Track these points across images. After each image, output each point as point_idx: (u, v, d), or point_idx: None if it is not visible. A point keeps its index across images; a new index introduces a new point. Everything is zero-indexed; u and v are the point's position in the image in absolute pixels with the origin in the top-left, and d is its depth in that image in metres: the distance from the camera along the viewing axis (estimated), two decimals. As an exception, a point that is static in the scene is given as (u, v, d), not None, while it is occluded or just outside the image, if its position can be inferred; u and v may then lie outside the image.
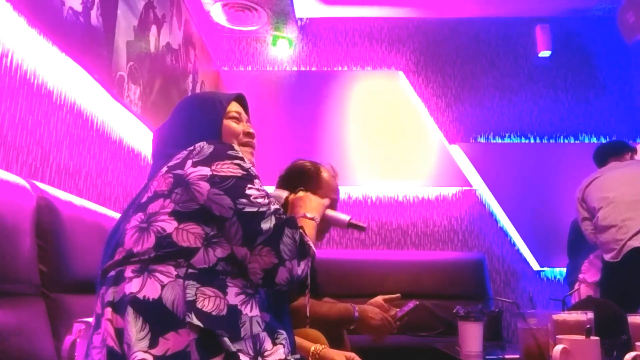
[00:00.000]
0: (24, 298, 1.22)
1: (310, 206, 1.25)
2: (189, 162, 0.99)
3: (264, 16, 3.39)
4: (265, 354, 0.91)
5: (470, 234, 3.53)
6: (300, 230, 1.01)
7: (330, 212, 1.37)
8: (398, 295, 1.82)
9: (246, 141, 1.19)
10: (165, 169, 1.01)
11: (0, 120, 1.47)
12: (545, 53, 3.67)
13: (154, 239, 0.94)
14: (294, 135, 3.56)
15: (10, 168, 1.49)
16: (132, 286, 0.90)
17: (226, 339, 0.87)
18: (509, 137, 3.64)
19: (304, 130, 3.58)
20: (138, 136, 2.39)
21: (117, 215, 1.71)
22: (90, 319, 1.08)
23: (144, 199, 1.00)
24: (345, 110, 3.67)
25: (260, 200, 0.98)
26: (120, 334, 0.89)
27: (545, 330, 1.38)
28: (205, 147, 1.01)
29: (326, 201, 1.31)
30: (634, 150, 2.85)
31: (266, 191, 1.02)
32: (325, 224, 1.39)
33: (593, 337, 1.17)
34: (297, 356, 0.99)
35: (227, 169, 0.98)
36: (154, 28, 2.50)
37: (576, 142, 3.61)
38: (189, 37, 3.04)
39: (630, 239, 2.45)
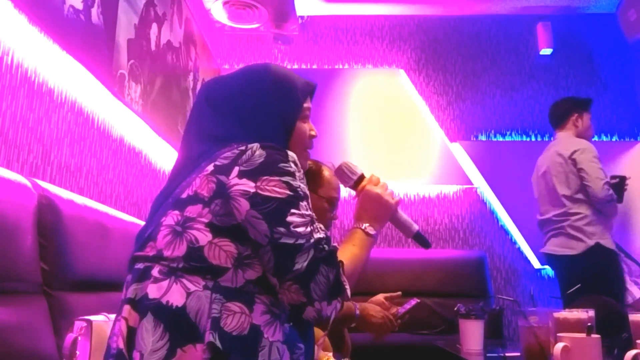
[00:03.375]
0: (25, 296, 1.22)
1: (378, 212, 1.10)
2: (236, 170, 0.90)
3: (265, 14, 3.39)
4: None
5: (471, 232, 3.53)
6: (339, 267, 0.92)
7: (401, 215, 1.19)
8: (399, 293, 1.83)
9: (310, 144, 1.09)
10: (211, 168, 0.91)
11: (1, 119, 1.47)
12: (546, 51, 3.66)
13: (185, 247, 0.88)
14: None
15: (11, 166, 1.49)
16: (156, 290, 0.86)
17: None
18: (510, 135, 3.64)
19: (305, 128, 3.57)
20: (139, 134, 2.39)
21: (118, 214, 1.72)
22: (91, 317, 1.08)
23: (184, 195, 0.92)
24: (346, 109, 3.67)
25: (300, 229, 0.88)
26: (132, 334, 0.85)
27: (546, 328, 1.39)
28: (256, 154, 0.91)
29: (397, 201, 1.15)
30: (576, 113, 2.85)
31: (312, 216, 0.92)
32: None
33: (594, 335, 1.17)
34: None
35: (272, 187, 0.89)
36: (154, 26, 2.50)
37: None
38: (190, 35, 3.03)
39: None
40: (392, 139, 3.61)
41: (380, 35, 3.84)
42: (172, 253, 0.88)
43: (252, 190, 0.88)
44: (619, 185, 2.78)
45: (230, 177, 0.89)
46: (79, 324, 1.06)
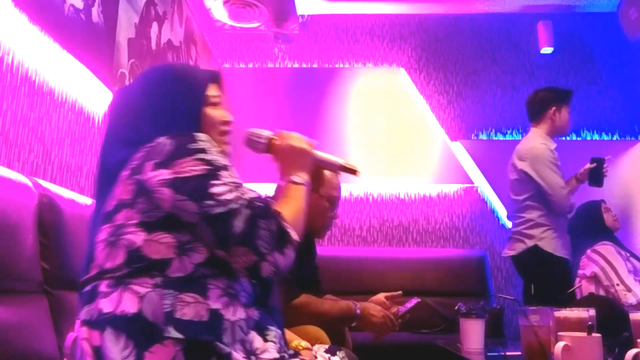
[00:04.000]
0: (26, 295, 1.22)
1: (297, 162, 1.12)
2: (149, 165, 0.91)
3: (265, 13, 3.39)
4: (258, 352, 0.88)
5: (472, 231, 3.53)
6: (278, 216, 0.94)
7: (320, 155, 1.20)
8: (400, 292, 1.83)
9: (224, 130, 1.09)
10: (127, 172, 0.93)
11: (2, 118, 1.47)
12: (547, 50, 3.66)
13: (123, 253, 0.89)
14: (295, 132, 3.55)
15: (12, 165, 1.49)
16: (108, 303, 0.86)
17: (217, 343, 0.84)
18: (511, 134, 3.64)
19: (305, 127, 3.57)
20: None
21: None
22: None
23: (110, 208, 0.93)
24: (346, 108, 3.67)
25: (228, 196, 0.90)
26: (98, 352, 0.85)
27: (547, 328, 1.38)
28: (164, 145, 0.92)
29: (313, 144, 1.17)
30: (554, 105, 2.72)
31: (236, 182, 0.93)
32: (316, 168, 1.23)
33: (595, 334, 1.17)
34: (291, 352, 0.98)
35: (188, 167, 0.90)
36: (155, 25, 2.50)
37: (578, 138, 3.60)
38: (190, 34, 3.03)
39: None
40: (393, 138, 3.61)
41: (380, 34, 3.83)
42: (113, 263, 0.89)
43: (170, 176, 0.89)
44: (597, 169, 2.73)
45: (145, 173, 0.91)
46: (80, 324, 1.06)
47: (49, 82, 1.70)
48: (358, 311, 1.66)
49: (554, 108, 2.70)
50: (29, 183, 1.29)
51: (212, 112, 1.07)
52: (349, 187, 3.51)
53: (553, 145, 2.67)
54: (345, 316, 1.66)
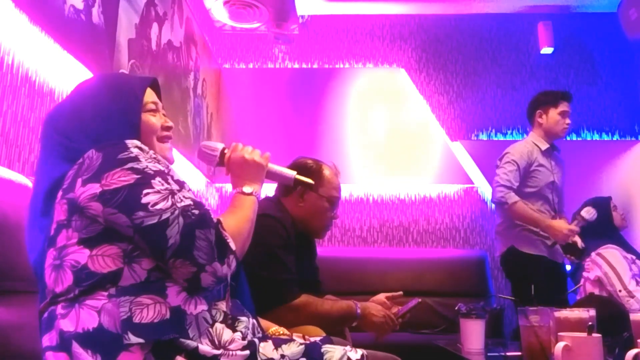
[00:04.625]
0: (26, 295, 1.22)
1: (249, 173, 1.10)
2: (79, 181, 0.88)
3: (265, 13, 3.39)
4: (226, 344, 0.88)
5: (472, 232, 3.53)
6: (217, 226, 0.91)
7: (273, 169, 1.20)
8: (400, 292, 1.83)
9: (165, 135, 1.06)
10: (60, 193, 0.91)
11: (2, 118, 1.47)
12: (547, 50, 3.66)
13: (70, 274, 0.87)
14: (295, 132, 3.55)
15: (12, 166, 1.50)
16: (68, 324, 0.85)
17: (182, 340, 0.84)
18: (511, 134, 3.64)
19: (306, 127, 3.58)
20: (140, 134, 2.39)
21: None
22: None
23: (52, 232, 0.91)
24: (346, 108, 3.67)
25: (160, 205, 0.87)
26: None
27: (547, 328, 1.38)
28: (93, 158, 0.90)
29: (267, 157, 1.15)
30: (539, 109, 2.77)
31: (170, 189, 0.90)
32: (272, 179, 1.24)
33: (595, 335, 1.17)
34: (260, 335, 0.98)
35: (117, 178, 0.87)
36: (155, 26, 2.50)
37: (578, 139, 3.60)
38: (191, 35, 3.03)
39: None
40: (393, 138, 3.61)
41: (380, 34, 3.84)
42: (62, 287, 0.88)
43: (99, 190, 0.87)
44: (572, 246, 2.63)
45: (76, 190, 0.89)
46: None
47: (49, 82, 1.70)
48: (359, 311, 1.66)
49: (539, 111, 2.77)
50: (29, 183, 1.29)
51: (151, 119, 1.04)
52: (349, 188, 3.51)
53: (543, 147, 2.73)
54: (346, 316, 1.66)
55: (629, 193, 3.34)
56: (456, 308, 1.81)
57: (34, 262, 0.97)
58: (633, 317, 1.33)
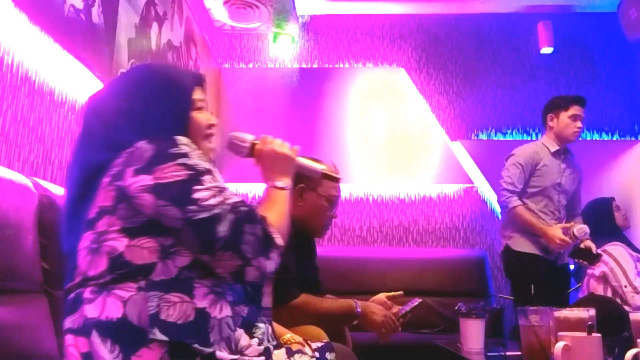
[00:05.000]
0: (26, 295, 1.22)
1: (280, 167, 1.12)
2: (129, 171, 0.90)
3: (265, 13, 3.39)
4: (243, 349, 0.89)
5: (472, 231, 3.53)
6: (263, 222, 0.94)
7: (302, 162, 1.20)
8: (401, 292, 1.83)
9: (210, 133, 1.08)
10: (108, 179, 0.92)
11: (2, 118, 1.47)
12: (547, 50, 3.66)
13: (106, 260, 0.88)
14: (295, 132, 3.55)
15: (12, 166, 1.50)
16: (92, 310, 0.86)
17: (197, 345, 0.84)
18: (511, 134, 3.64)
19: (306, 127, 3.57)
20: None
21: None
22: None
23: (92, 215, 0.92)
24: (346, 108, 3.66)
25: (211, 201, 0.89)
26: (88, 358, 0.85)
27: (547, 328, 1.38)
28: (145, 150, 0.91)
29: (296, 150, 1.17)
30: (550, 113, 2.78)
31: (219, 186, 0.92)
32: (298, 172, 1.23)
33: (595, 334, 1.17)
34: (275, 342, 0.98)
35: (170, 173, 0.89)
36: (155, 25, 2.50)
37: (578, 139, 3.60)
38: (190, 35, 3.03)
39: None
40: (393, 138, 3.61)
41: (380, 34, 3.84)
42: (95, 271, 0.89)
43: (151, 182, 0.89)
44: (584, 251, 2.58)
45: (126, 179, 0.90)
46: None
47: (49, 82, 1.70)
48: (359, 309, 1.66)
49: (550, 115, 2.78)
50: (29, 183, 1.29)
51: (199, 116, 1.06)
52: (349, 187, 3.51)
53: (553, 148, 2.74)
54: (346, 314, 1.66)
55: (630, 193, 3.34)
56: (456, 308, 1.81)
57: (66, 241, 0.98)
58: (633, 316, 1.34)
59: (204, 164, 0.93)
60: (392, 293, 1.82)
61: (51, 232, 1.31)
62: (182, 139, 0.94)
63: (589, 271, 2.68)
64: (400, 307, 1.78)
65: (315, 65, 3.78)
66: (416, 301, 1.78)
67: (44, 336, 1.21)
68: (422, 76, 3.75)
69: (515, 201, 2.64)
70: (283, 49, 3.76)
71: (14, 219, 1.17)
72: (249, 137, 1.17)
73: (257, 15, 3.41)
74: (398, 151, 3.58)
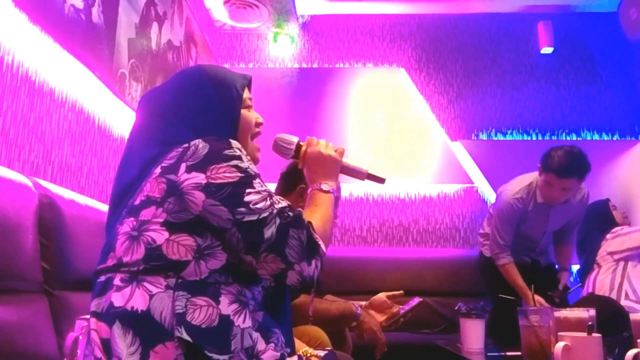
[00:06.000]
0: (26, 295, 1.22)
1: (326, 170, 1.13)
2: (183, 166, 0.92)
3: (265, 13, 3.39)
4: (259, 354, 0.89)
5: (472, 231, 3.53)
6: (309, 227, 0.95)
7: (347, 163, 1.20)
8: (401, 292, 1.83)
9: (257, 132, 1.12)
10: (159, 170, 0.94)
11: (2, 118, 1.47)
12: (547, 49, 3.66)
13: (143, 250, 0.90)
14: (295, 132, 3.53)
15: (12, 165, 1.49)
16: (119, 298, 0.87)
17: (214, 355, 0.84)
18: (511, 134, 3.64)
19: (306, 127, 3.57)
20: (140, 133, 2.39)
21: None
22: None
23: (137, 202, 0.94)
24: (346, 108, 3.67)
25: (260, 205, 0.91)
26: (106, 345, 0.86)
27: (547, 328, 1.39)
28: (200, 148, 0.93)
29: (341, 152, 1.17)
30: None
31: (268, 191, 0.95)
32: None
33: (595, 334, 1.17)
34: (288, 350, 0.99)
35: (223, 173, 0.91)
36: (155, 25, 2.50)
37: (578, 139, 3.60)
38: (190, 34, 3.03)
39: None
40: (393, 138, 3.61)
41: (380, 34, 3.84)
42: (131, 258, 0.90)
43: (204, 181, 0.90)
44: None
45: (179, 174, 0.92)
46: (80, 323, 1.06)
47: (49, 82, 1.70)
48: (359, 311, 1.66)
49: (539, 165, 2.49)
50: (29, 183, 1.29)
51: (248, 114, 1.09)
52: (349, 187, 3.51)
53: (540, 199, 2.51)
54: (345, 314, 1.66)
55: (629, 193, 3.34)
56: (456, 308, 1.81)
57: (108, 223, 1.00)
58: (633, 317, 1.34)
59: (254, 168, 0.96)
60: (392, 293, 1.82)
61: (51, 232, 1.31)
62: (235, 142, 0.97)
63: (599, 257, 2.68)
64: (401, 306, 1.78)
65: (315, 65, 3.78)
66: (416, 301, 1.78)
67: (44, 336, 1.21)
68: (422, 76, 3.75)
69: (503, 258, 2.56)
70: (283, 49, 3.76)
71: (14, 219, 1.17)
72: (294, 139, 1.19)
73: (257, 15, 3.41)
74: (398, 151, 3.58)
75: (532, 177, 2.59)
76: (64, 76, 1.77)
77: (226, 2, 3.27)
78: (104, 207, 1.64)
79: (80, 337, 1.05)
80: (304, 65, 3.78)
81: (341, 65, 3.78)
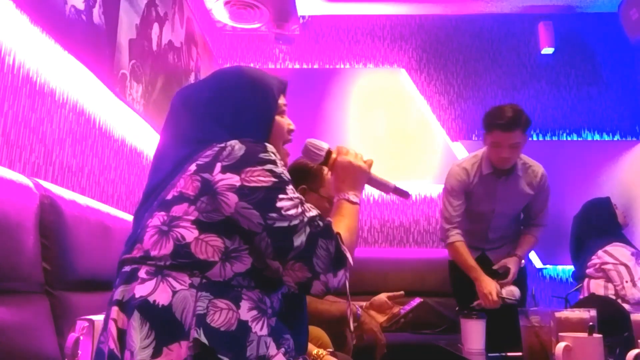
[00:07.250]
0: (27, 296, 1.22)
1: (354, 180, 1.13)
2: (218, 166, 0.92)
3: (266, 14, 3.39)
4: (270, 358, 0.89)
5: (473, 232, 3.52)
6: (337, 238, 0.95)
7: (375, 176, 1.21)
8: (402, 292, 1.83)
9: (289, 138, 1.12)
10: (194, 167, 0.93)
11: (4, 119, 1.47)
12: (548, 50, 3.66)
13: (172, 245, 0.90)
14: (295, 132, 3.54)
15: (13, 166, 1.50)
16: (143, 289, 0.87)
17: (221, 357, 0.83)
18: (512, 134, 3.63)
19: (306, 127, 3.57)
20: (140, 134, 2.39)
21: (120, 214, 1.72)
22: (93, 317, 1.08)
23: (169, 197, 0.94)
24: (347, 108, 3.67)
25: (292, 212, 0.91)
26: (122, 335, 0.86)
27: (548, 328, 1.39)
28: (236, 149, 0.93)
29: (370, 163, 1.18)
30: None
31: (300, 198, 0.95)
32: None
33: (596, 335, 1.17)
34: (296, 355, 0.98)
35: (257, 177, 0.91)
36: (156, 26, 2.50)
37: (579, 139, 3.60)
38: (191, 35, 3.04)
39: None
40: (394, 138, 3.61)
41: (381, 35, 3.84)
42: (158, 252, 0.90)
43: (238, 183, 0.90)
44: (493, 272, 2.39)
45: (214, 174, 0.92)
46: (80, 324, 1.06)
47: (50, 82, 1.70)
48: (359, 311, 1.66)
49: (483, 131, 2.44)
50: (30, 184, 1.29)
51: (282, 120, 1.10)
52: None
53: (485, 171, 2.43)
54: (345, 314, 1.66)
55: (630, 193, 3.34)
56: (457, 308, 1.81)
57: (137, 212, 1.00)
58: (634, 317, 1.33)
59: (287, 174, 0.96)
60: (392, 293, 1.82)
61: (52, 233, 1.31)
62: (270, 146, 0.96)
63: (588, 271, 2.68)
64: (401, 307, 1.77)
65: (315, 66, 3.78)
66: (417, 301, 1.78)
67: (44, 336, 1.22)
68: (422, 77, 3.75)
69: (452, 236, 2.42)
70: (284, 49, 3.76)
71: (15, 219, 1.17)
72: (325, 146, 1.19)
73: (257, 15, 3.41)
74: (399, 152, 3.58)
75: (479, 151, 2.54)
76: (64, 77, 1.77)
77: (227, 3, 3.28)
78: (105, 208, 1.65)
79: (81, 338, 1.05)
80: (305, 66, 3.78)
81: (342, 66, 3.79)
